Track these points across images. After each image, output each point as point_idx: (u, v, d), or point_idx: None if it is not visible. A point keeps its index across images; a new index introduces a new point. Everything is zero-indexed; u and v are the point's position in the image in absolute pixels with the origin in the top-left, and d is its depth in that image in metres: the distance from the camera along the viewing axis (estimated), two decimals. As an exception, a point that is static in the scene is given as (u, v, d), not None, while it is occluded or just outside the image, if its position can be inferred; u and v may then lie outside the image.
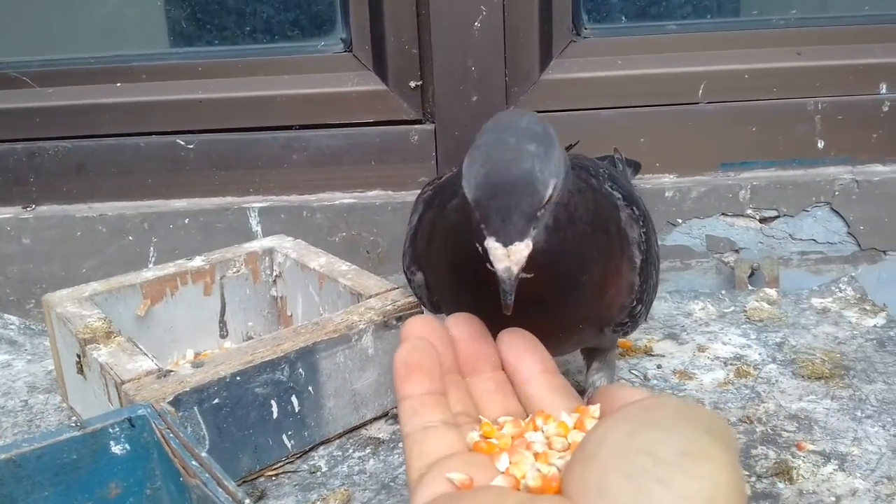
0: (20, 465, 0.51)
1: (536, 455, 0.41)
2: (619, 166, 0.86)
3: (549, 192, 0.46)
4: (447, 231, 0.57)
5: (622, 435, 0.35)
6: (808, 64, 0.99)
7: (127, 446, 0.54)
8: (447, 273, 0.58)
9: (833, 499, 0.59)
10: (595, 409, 0.43)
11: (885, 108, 0.99)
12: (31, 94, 1.02)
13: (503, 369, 0.49)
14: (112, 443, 0.54)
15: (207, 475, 0.47)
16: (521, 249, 0.45)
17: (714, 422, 0.36)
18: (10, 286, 0.99)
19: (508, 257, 0.45)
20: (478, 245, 0.47)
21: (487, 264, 0.47)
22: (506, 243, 0.45)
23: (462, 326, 0.49)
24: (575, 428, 0.42)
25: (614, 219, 0.58)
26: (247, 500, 0.44)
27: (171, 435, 0.52)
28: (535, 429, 0.43)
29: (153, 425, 0.53)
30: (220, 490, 0.46)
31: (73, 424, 0.53)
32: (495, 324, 0.50)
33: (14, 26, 1.04)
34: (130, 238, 0.98)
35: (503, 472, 0.40)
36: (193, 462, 0.49)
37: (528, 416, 0.46)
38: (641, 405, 0.38)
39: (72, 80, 1.02)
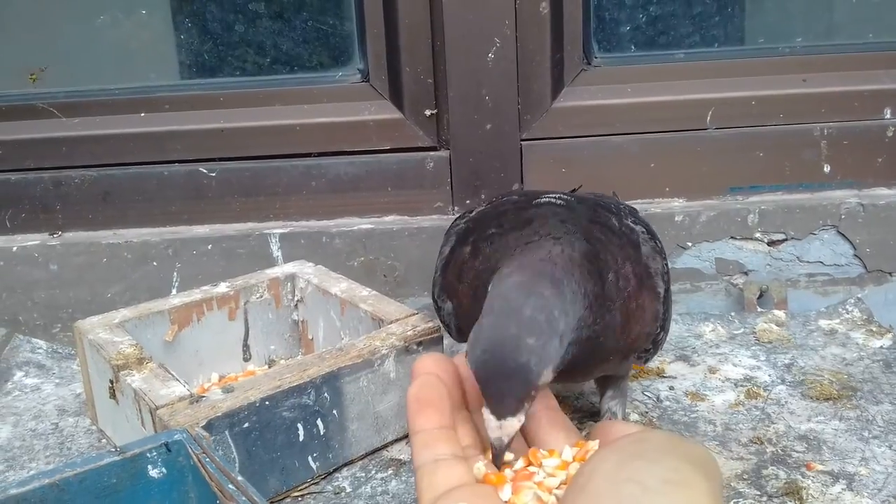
0: (63, 489, 0.54)
1: (538, 485, 0.45)
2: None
3: (542, 379, 0.49)
4: (478, 274, 0.60)
5: (612, 466, 0.39)
6: (813, 90, 1.02)
7: (164, 470, 0.57)
8: (475, 311, 0.61)
9: (842, 518, 0.61)
10: (594, 444, 0.46)
11: (890, 133, 1.02)
12: (57, 124, 1.06)
13: None
14: (150, 467, 0.56)
15: (244, 498, 0.50)
16: (513, 423, 0.49)
17: (698, 453, 0.40)
18: (37, 311, 1.02)
19: (500, 429, 0.49)
20: None
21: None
22: (498, 417, 0.48)
23: None
24: (575, 460, 0.46)
25: (632, 258, 0.61)
26: (283, 522, 0.47)
27: (208, 459, 0.54)
28: (538, 463, 0.47)
29: (189, 450, 0.56)
30: (258, 513, 0.48)
31: (113, 450, 0.56)
32: None
33: (39, 59, 1.08)
34: (155, 264, 1.01)
35: (506, 503, 0.44)
36: (230, 485, 0.51)
37: (530, 451, 0.49)
38: (630, 438, 0.42)
39: (96, 110, 1.06)
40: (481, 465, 0.47)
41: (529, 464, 0.48)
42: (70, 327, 1.01)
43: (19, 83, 1.06)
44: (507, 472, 0.47)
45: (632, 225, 0.64)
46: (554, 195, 0.67)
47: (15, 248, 1.01)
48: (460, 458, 0.47)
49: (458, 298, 0.66)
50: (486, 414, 0.49)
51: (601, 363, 0.63)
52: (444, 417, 0.49)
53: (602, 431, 0.47)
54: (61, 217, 1.05)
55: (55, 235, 1.04)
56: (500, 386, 0.48)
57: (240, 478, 0.52)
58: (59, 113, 1.06)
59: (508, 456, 0.49)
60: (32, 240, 1.03)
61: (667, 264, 0.66)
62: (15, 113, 1.05)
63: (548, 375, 0.50)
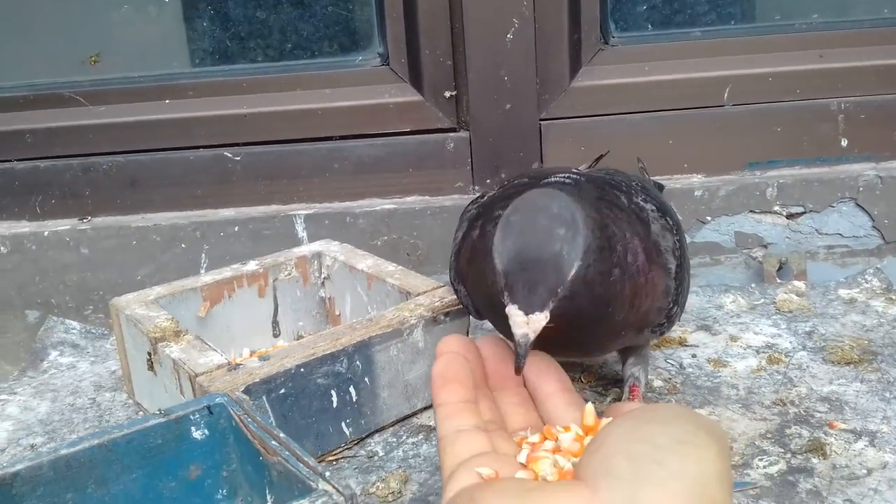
0: (111, 450, 0.56)
1: (555, 451, 0.47)
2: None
3: (573, 273, 0.51)
4: (486, 255, 0.62)
5: (626, 430, 0.41)
6: (830, 66, 1.03)
7: (206, 431, 0.59)
8: (484, 293, 0.62)
9: (864, 471, 0.63)
10: (606, 421, 0.48)
11: (906, 107, 1.03)
12: (84, 112, 1.08)
13: (525, 386, 0.55)
14: (193, 428, 0.58)
15: (287, 452, 0.52)
16: (540, 319, 0.50)
17: (706, 421, 0.43)
18: (69, 293, 1.05)
19: (528, 325, 0.50)
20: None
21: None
22: (527, 312, 0.50)
23: (491, 347, 0.56)
24: (588, 434, 0.48)
25: (641, 234, 0.62)
26: (327, 472, 0.49)
27: (249, 419, 0.56)
28: (553, 437, 0.49)
29: (231, 412, 0.58)
30: (301, 464, 0.50)
31: (158, 412, 0.58)
32: (537, 345, 0.55)
33: (66, 48, 1.10)
34: (183, 246, 1.03)
35: (524, 465, 0.46)
36: (273, 442, 0.53)
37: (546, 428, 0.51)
38: (642, 408, 0.45)
39: (122, 98, 1.08)
40: (523, 455, 0.48)
41: (545, 439, 0.49)
42: (101, 309, 1.04)
43: (49, 72, 1.08)
44: (525, 445, 0.49)
45: (641, 203, 0.65)
46: (563, 174, 0.68)
47: (46, 233, 1.04)
48: (482, 430, 0.49)
49: (469, 281, 0.68)
50: (513, 311, 0.50)
51: (615, 336, 0.64)
52: (467, 392, 0.51)
53: (615, 409, 0.49)
54: (90, 202, 1.07)
55: (85, 220, 1.07)
56: (531, 276, 0.50)
57: (282, 434, 0.54)
58: (85, 101, 1.08)
59: (524, 432, 0.51)
60: (63, 225, 1.06)
61: (680, 240, 0.66)
62: (42, 102, 1.08)
63: (577, 272, 0.51)
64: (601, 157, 0.91)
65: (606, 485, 0.38)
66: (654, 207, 0.66)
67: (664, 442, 0.39)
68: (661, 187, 0.98)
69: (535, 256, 0.50)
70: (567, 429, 0.49)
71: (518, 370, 0.51)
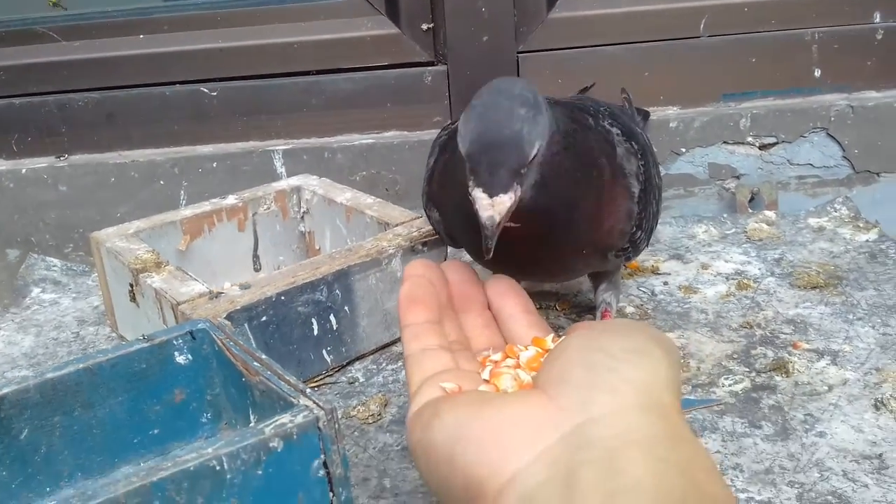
0: (96, 374, 0.57)
1: (516, 366, 0.49)
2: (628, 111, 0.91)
3: (534, 151, 0.52)
4: (456, 175, 0.63)
5: (582, 339, 0.44)
6: (804, -5, 1.04)
7: (189, 356, 0.60)
8: (456, 213, 0.63)
9: (826, 388, 0.65)
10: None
11: (879, 37, 1.04)
12: (58, 48, 1.07)
13: (489, 309, 0.57)
14: (176, 353, 0.60)
15: (269, 372, 0.53)
16: (504, 201, 0.51)
17: (657, 333, 0.45)
18: (48, 231, 1.05)
19: (493, 207, 0.51)
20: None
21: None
22: (491, 194, 0.51)
23: (456, 271, 0.57)
24: (548, 350, 0.50)
25: (607, 153, 0.63)
26: (308, 390, 0.50)
27: (231, 343, 0.58)
28: (515, 355, 0.51)
29: (213, 337, 0.59)
30: (283, 382, 0.52)
31: (141, 338, 0.59)
32: (498, 263, 0.56)
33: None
34: (162, 182, 1.04)
35: (487, 381, 0.48)
36: (255, 363, 0.55)
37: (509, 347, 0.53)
38: (600, 322, 0.47)
39: (96, 33, 1.07)
40: (486, 372, 0.50)
41: (507, 357, 0.51)
42: (82, 246, 1.05)
43: (21, 7, 1.06)
44: (488, 363, 0.51)
45: (608, 126, 0.66)
46: None
47: (24, 171, 1.04)
48: (446, 349, 0.51)
49: (443, 205, 0.69)
50: (478, 193, 0.51)
51: (577, 256, 0.65)
52: (431, 313, 0.53)
53: (573, 327, 0.51)
54: (67, 140, 1.07)
55: (62, 158, 1.06)
56: (494, 157, 0.51)
57: (263, 356, 0.55)
58: (58, 37, 1.07)
59: (487, 351, 0.52)
60: (40, 163, 1.05)
61: (645, 165, 0.67)
62: (15, 38, 1.07)
63: (538, 151, 0.52)
64: (587, 88, 0.92)
65: (563, 391, 0.41)
66: (619, 131, 0.66)
67: (617, 351, 0.42)
68: (646, 115, 0.99)
69: (496, 137, 0.51)
70: (527, 347, 0.51)
71: (487, 251, 0.52)
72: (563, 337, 0.47)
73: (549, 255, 0.62)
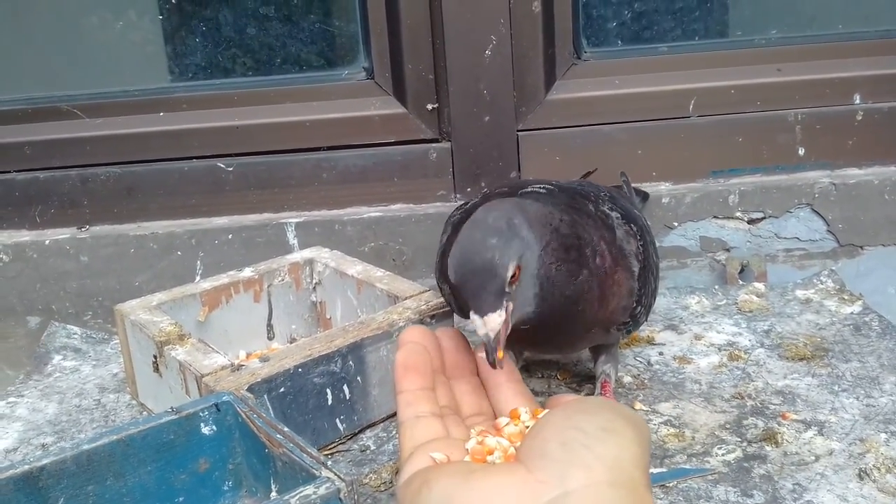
0: (129, 444, 0.61)
1: (499, 435, 0.54)
2: (626, 193, 0.97)
3: (510, 272, 0.58)
4: None
5: (559, 419, 0.49)
6: (787, 79, 1.10)
7: (214, 427, 0.64)
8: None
9: (813, 458, 0.69)
10: (545, 412, 0.55)
11: (859, 117, 1.10)
12: (81, 124, 1.12)
13: (478, 376, 0.62)
14: (202, 425, 0.64)
15: (292, 444, 0.57)
16: (495, 318, 0.58)
17: (628, 411, 0.51)
18: (69, 300, 1.09)
19: (486, 325, 0.58)
20: None
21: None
22: (481, 315, 0.58)
23: (450, 338, 0.63)
24: (530, 421, 0.55)
25: (607, 238, 0.69)
26: (329, 461, 0.54)
27: (255, 415, 0.62)
28: (499, 427, 0.56)
29: (237, 409, 0.63)
30: (305, 455, 0.56)
31: (170, 410, 0.63)
32: (509, 340, 0.62)
33: (62, 62, 1.15)
34: (179, 253, 1.08)
35: (471, 451, 0.53)
36: (278, 435, 0.59)
37: (495, 414, 0.59)
38: (576, 400, 0.53)
39: (118, 111, 1.13)
40: (473, 442, 0.54)
41: (493, 430, 0.56)
42: (101, 314, 1.09)
43: (47, 86, 1.12)
44: (473, 431, 0.56)
45: (607, 211, 0.72)
46: (539, 185, 0.74)
47: (47, 242, 1.08)
48: (437, 416, 0.56)
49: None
50: (472, 315, 0.58)
51: (585, 334, 0.71)
52: (425, 380, 0.58)
53: (554, 401, 0.56)
54: (88, 212, 1.12)
55: (83, 229, 1.11)
56: (474, 284, 0.58)
57: (286, 428, 0.59)
58: (81, 114, 1.12)
59: (475, 417, 0.57)
60: (62, 234, 1.10)
61: (643, 245, 0.72)
62: (40, 115, 1.12)
63: (517, 270, 0.58)
64: (590, 173, 0.98)
65: (541, 465, 0.45)
66: (619, 215, 0.72)
67: (591, 429, 0.47)
68: (645, 196, 1.06)
69: (471, 267, 0.58)
70: (513, 418, 0.56)
71: (493, 365, 0.58)
72: (544, 412, 0.53)
73: (557, 338, 0.67)
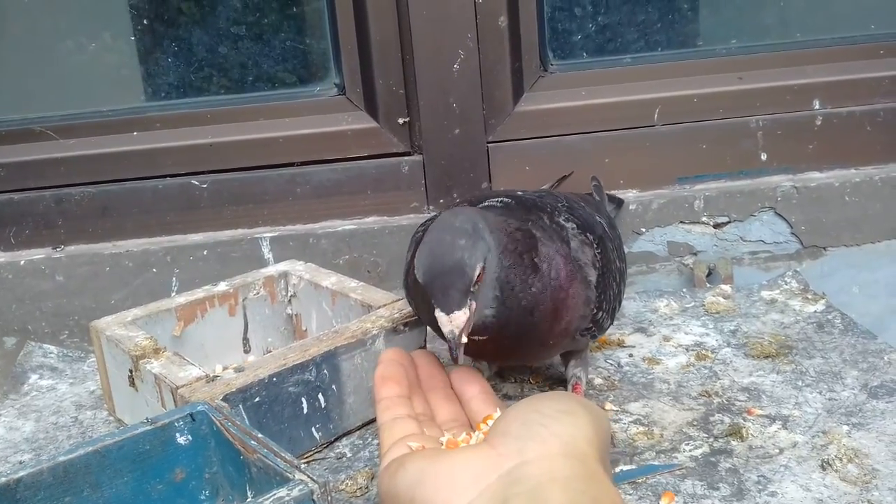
0: (105, 456, 0.62)
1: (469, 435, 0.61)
2: (597, 198, 1.00)
3: (476, 272, 0.62)
4: None
5: (523, 404, 0.55)
6: (749, 87, 1.13)
7: (189, 437, 0.65)
8: (424, 306, 0.71)
9: (777, 450, 0.71)
10: None
11: (819, 122, 1.13)
12: (55, 145, 1.13)
13: (452, 389, 0.69)
14: (177, 435, 0.65)
15: (266, 450, 0.59)
16: (460, 316, 0.61)
17: (590, 403, 0.57)
18: (45, 320, 1.10)
19: (451, 322, 0.61)
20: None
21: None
22: (447, 312, 0.61)
23: (424, 358, 0.70)
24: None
25: (561, 250, 0.70)
26: (302, 465, 0.55)
27: (229, 423, 0.63)
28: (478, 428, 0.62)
29: (211, 418, 0.64)
30: (279, 459, 0.57)
31: (145, 421, 0.64)
32: (474, 354, 0.66)
33: (35, 85, 1.15)
34: (154, 270, 1.09)
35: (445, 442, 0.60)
36: (252, 441, 0.60)
37: (469, 421, 0.65)
38: (541, 393, 0.59)
39: (91, 131, 1.13)
40: (444, 438, 0.61)
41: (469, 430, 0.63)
42: (77, 333, 1.09)
43: (19, 108, 1.13)
44: (445, 434, 0.62)
45: (563, 222, 0.74)
46: (497, 199, 0.76)
47: (22, 262, 1.09)
48: (413, 419, 0.62)
49: (417, 298, 0.76)
50: (437, 313, 0.61)
51: (544, 345, 0.73)
52: (402, 389, 0.65)
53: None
54: (63, 231, 1.12)
55: (58, 249, 1.12)
56: (443, 282, 0.61)
57: (260, 435, 0.60)
58: (55, 135, 1.13)
59: (450, 421, 0.63)
60: (38, 254, 1.11)
61: (602, 251, 0.74)
62: (14, 137, 1.13)
63: (482, 271, 0.61)
64: (565, 177, 1.01)
65: (503, 441, 0.51)
66: (574, 225, 0.74)
67: (549, 411, 0.52)
68: (620, 202, 1.08)
69: (441, 267, 0.61)
70: (487, 420, 0.62)
71: (455, 360, 0.62)
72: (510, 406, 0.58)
73: (518, 350, 0.69)
